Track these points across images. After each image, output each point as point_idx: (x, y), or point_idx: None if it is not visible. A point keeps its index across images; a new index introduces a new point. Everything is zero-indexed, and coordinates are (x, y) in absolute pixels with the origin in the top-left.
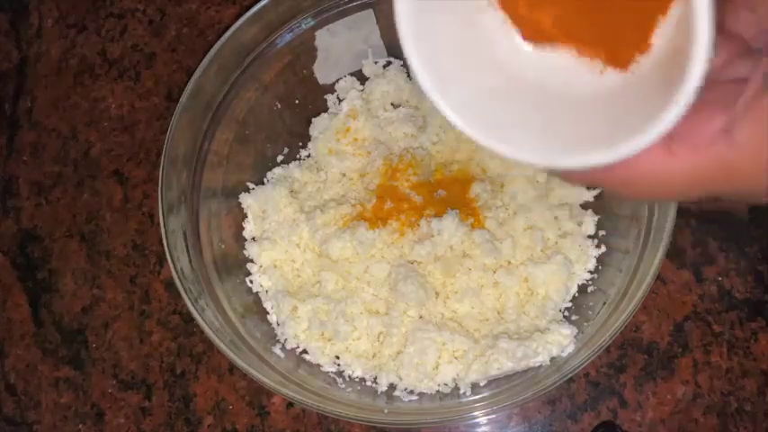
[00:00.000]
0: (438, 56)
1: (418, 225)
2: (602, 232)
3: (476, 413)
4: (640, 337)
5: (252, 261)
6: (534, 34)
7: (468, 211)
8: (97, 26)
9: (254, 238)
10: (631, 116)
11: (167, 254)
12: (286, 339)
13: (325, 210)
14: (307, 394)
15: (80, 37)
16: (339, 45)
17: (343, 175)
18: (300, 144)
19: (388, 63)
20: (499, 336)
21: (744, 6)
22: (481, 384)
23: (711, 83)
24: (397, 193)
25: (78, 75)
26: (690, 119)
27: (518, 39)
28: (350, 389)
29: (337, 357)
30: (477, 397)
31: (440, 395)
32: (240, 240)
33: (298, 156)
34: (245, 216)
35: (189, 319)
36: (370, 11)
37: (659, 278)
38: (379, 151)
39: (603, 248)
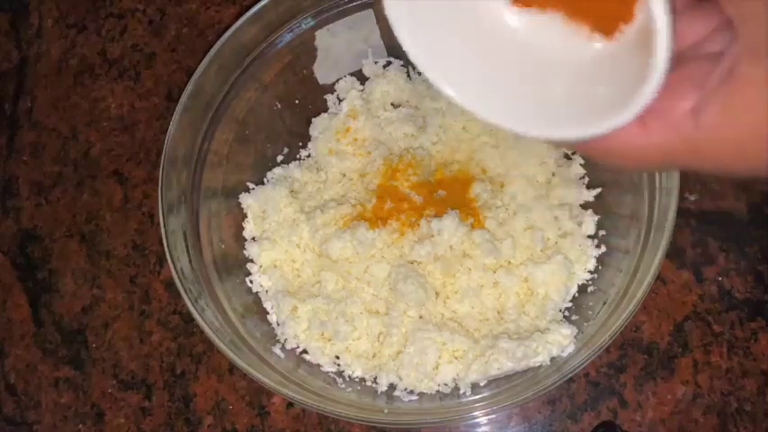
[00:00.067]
0: (424, 20)
1: (418, 225)
2: (602, 232)
3: (476, 413)
4: (640, 337)
5: (252, 261)
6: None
7: (468, 211)
8: (97, 26)
9: (254, 238)
10: (612, 91)
11: (167, 254)
12: (286, 339)
13: (325, 210)
14: (307, 394)
15: (80, 37)
16: (339, 45)
17: (343, 175)
18: (300, 144)
19: (388, 63)
20: (499, 336)
21: None
22: (481, 384)
23: (689, 57)
24: (397, 193)
25: (78, 75)
26: (664, 95)
27: (506, 3)
28: (350, 389)
29: (337, 357)
30: (477, 397)
31: (440, 395)
32: (240, 240)
33: (298, 156)
34: (245, 216)
35: (189, 319)
36: (370, 11)
37: (659, 278)
38: (379, 151)
39: (603, 248)
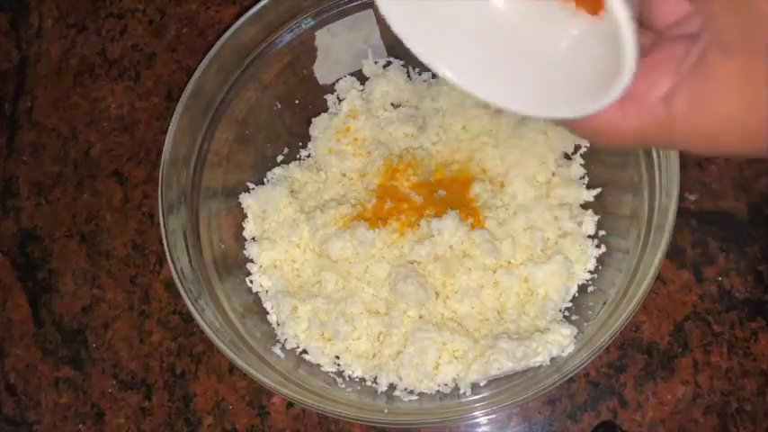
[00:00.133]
0: (415, 6)
1: (418, 225)
2: (602, 232)
3: (476, 413)
4: (640, 337)
5: (252, 261)
6: None
7: (468, 211)
8: (97, 26)
9: (254, 238)
10: (595, 74)
11: (167, 254)
12: (286, 339)
13: (325, 210)
14: (307, 394)
15: (80, 37)
16: (339, 45)
17: (344, 175)
18: (300, 144)
19: (388, 63)
20: (499, 336)
21: None
22: (481, 384)
23: (665, 38)
24: (397, 193)
25: (78, 75)
26: (640, 80)
27: None
28: (350, 389)
29: (337, 357)
30: (477, 397)
31: (440, 395)
32: (240, 240)
33: (298, 156)
34: (245, 216)
35: (189, 319)
36: (370, 11)
37: (659, 278)
38: (379, 151)
39: (603, 248)
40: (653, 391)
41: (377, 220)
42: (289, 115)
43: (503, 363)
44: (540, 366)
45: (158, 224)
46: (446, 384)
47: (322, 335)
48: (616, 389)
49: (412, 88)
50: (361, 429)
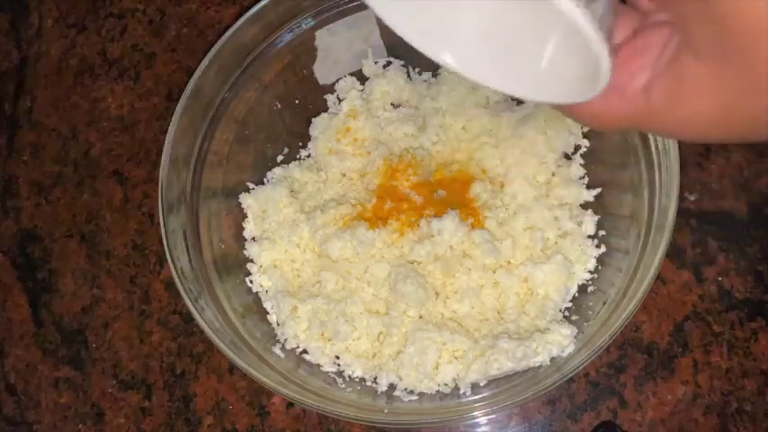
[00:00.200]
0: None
1: (418, 225)
2: (602, 232)
3: (476, 413)
4: (640, 337)
5: (252, 261)
6: None
7: (468, 211)
8: (97, 26)
9: (254, 238)
10: (579, 68)
11: (167, 254)
12: (286, 339)
13: (325, 210)
14: (307, 394)
15: (80, 37)
16: (339, 45)
17: (344, 175)
18: (300, 144)
19: (388, 63)
20: (499, 336)
21: None
22: (481, 384)
23: (646, 26)
24: (397, 193)
25: (78, 75)
26: (621, 72)
27: None
28: (350, 389)
29: (337, 357)
30: (477, 397)
31: (440, 395)
32: (240, 240)
33: (298, 156)
34: (245, 216)
35: (189, 319)
36: (371, 11)
37: (659, 278)
38: (379, 151)
39: (603, 248)
40: (653, 391)
41: (377, 220)
42: (289, 115)
43: (503, 363)
44: (540, 366)
45: (158, 224)
46: (446, 384)
47: (322, 335)
48: (616, 389)
49: (412, 88)
50: (361, 429)
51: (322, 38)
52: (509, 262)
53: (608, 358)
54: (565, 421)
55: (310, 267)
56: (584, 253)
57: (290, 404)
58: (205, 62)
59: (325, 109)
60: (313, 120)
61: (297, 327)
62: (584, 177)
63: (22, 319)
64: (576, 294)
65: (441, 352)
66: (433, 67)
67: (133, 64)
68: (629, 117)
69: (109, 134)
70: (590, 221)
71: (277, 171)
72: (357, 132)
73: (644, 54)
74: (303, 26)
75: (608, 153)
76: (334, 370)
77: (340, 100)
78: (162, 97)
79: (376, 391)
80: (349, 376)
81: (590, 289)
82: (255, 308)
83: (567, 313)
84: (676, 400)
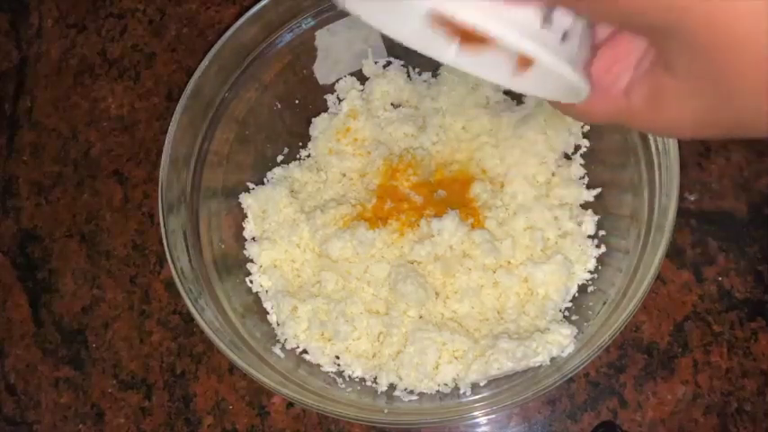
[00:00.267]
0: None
1: (418, 225)
2: (602, 232)
3: (476, 413)
4: (640, 337)
5: (252, 261)
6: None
7: (468, 211)
8: (97, 26)
9: (254, 238)
10: (562, 80)
11: (167, 254)
12: (286, 339)
13: (325, 210)
14: (307, 394)
15: (80, 37)
16: (339, 45)
17: (344, 175)
18: (300, 144)
19: (388, 63)
20: (499, 336)
21: None
22: (481, 384)
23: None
24: (397, 193)
25: (78, 75)
26: (605, 74)
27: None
28: (350, 389)
29: (337, 357)
30: (477, 397)
31: (440, 395)
32: (240, 240)
33: (298, 156)
34: (245, 216)
35: (189, 319)
36: None
37: (659, 278)
38: (379, 151)
39: (603, 248)
40: (653, 391)
41: (377, 220)
42: (289, 115)
43: (503, 363)
44: (540, 366)
45: (158, 224)
46: (446, 384)
47: (322, 335)
48: (616, 389)
49: (412, 88)
50: (361, 429)
51: (322, 38)
52: (509, 262)
53: (608, 358)
54: (565, 421)
55: (310, 267)
56: (584, 253)
57: (290, 404)
58: (205, 62)
59: (326, 109)
60: (313, 120)
61: (297, 327)
62: (584, 177)
63: (22, 319)
64: (576, 294)
65: (441, 352)
66: (432, 67)
67: (133, 64)
68: (614, 115)
69: (109, 134)
70: (590, 221)
71: (277, 171)
72: (357, 132)
73: (624, 60)
74: (303, 26)
75: (608, 153)
76: (334, 370)
77: (340, 100)
78: (162, 97)
79: (376, 391)
80: (349, 376)
81: (590, 289)
82: (255, 308)
83: (567, 313)
84: (676, 400)
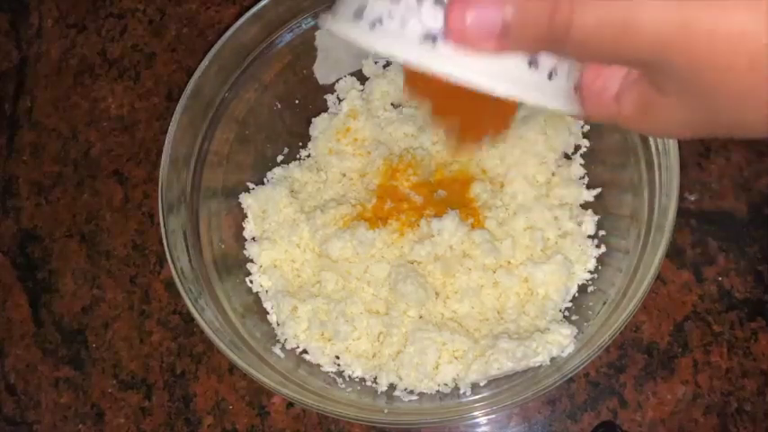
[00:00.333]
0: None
1: (418, 225)
2: (602, 232)
3: (476, 413)
4: (640, 337)
5: (252, 261)
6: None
7: (468, 211)
8: (97, 26)
9: (254, 238)
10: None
11: (167, 254)
12: (286, 339)
13: (325, 210)
14: (307, 394)
15: (80, 37)
16: (339, 45)
17: (344, 175)
18: (300, 144)
19: (388, 63)
20: (499, 336)
21: None
22: (481, 384)
23: None
24: (397, 193)
25: (78, 75)
26: (597, 80)
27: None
28: (350, 389)
29: (337, 357)
30: (477, 397)
31: (440, 395)
32: (240, 240)
33: (298, 156)
34: (245, 216)
35: (189, 319)
36: None
37: (659, 278)
38: (379, 151)
39: (603, 248)
40: (653, 391)
41: (377, 220)
42: (289, 115)
43: (503, 363)
44: (540, 366)
45: (158, 224)
46: (446, 384)
47: (322, 335)
48: (616, 389)
49: None
50: (361, 429)
51: (322, 38)
52: (509, 262)
53: (608, 358)
54: (565, 421)
55: (310, 267)
56: (584, 253)
57: (290, 404)
58: (205, 62)
59: (326, 109)
60: (313, 120)
61: (297, 327)
62: (584, 177)
63: (22, 319)
64: (576, 294)
65: (441, 352)
66: None
67: (133, 64)
68: (607, 118)
69: (109, 134)
70: (590, 221)
71: (277, 171)
72: (357, 132)
73: (614, 69)
74: (303, 26)
75: (608, 153)
76: (334, 370)
77: (340, 100)
78: (162, 97)
79: (376, 391)
80: (349, 376)
81: (590, 289)
82: (255, 308)
83: (567, 313)
84: (676, 400)
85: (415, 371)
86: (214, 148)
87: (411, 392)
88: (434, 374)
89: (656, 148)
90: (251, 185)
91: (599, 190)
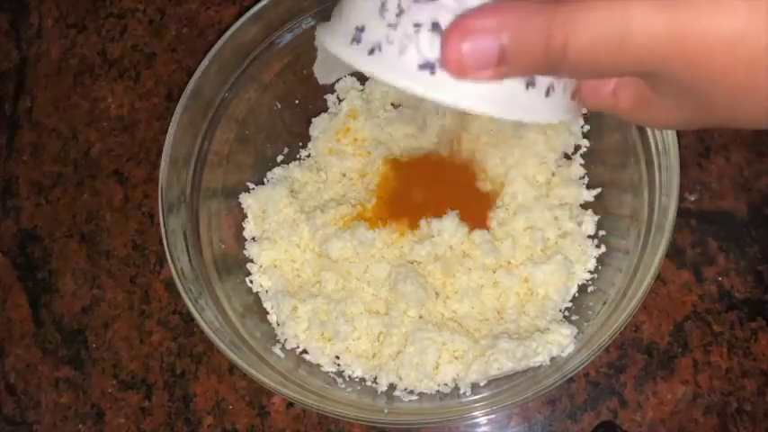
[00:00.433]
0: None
1: (418, 225)
2: (602, 232)
3: (476, 413)
4: (640, 337)
5: (252, 261)
6: None
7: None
8: (97, 26)
9: (254, 238)
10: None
11: (167, 254)
12: (286, 339)
13: (325, 210)
14: (307, 394)
15: (80, 37)
16: None
17: (344, 175)
18: (300, 144)
19: None
20: (499, 336)
21: None
22: (481, 384)
23: None
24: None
25: (78, 75)
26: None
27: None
28: (350, 389)
29: (337, 357)
30: (477, 397)
31: (440, 395)
32: (240, 240)
33: (298, 156)
34: (245, 216)
35: (189, 319)
36: None
37: (659, 278)
38: (378, 151)
39: (603, 248)
40: (653, 391)
41: (377, 220)
42: (289, 115)
43: (503, 363)
44: (540, 366)
45: (158, 224)
46: (446, 384)
47: (322, 335)
48: (616, 389)
49: None
50: (361, 429)
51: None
52: (509, 262)
53: (608, 358)
54: (565, 421)
55: (310, 267)
56: (584, 253)
57: (290, 404)
58: (205, 62)
59: (326, 109)
60: (313, 120)
61: (297, 327)
62: (584, 177)
63: (22, 319)
64: (576, 294)
65: (441, 352)
66: None
67: (133, 64)
68: (605, 109)
69: (109, 134)
70: (590, 221)
71: (277, 171)
72: (357, 132)
73: None
74: (303, 26)
75: (608, 153)
76: (334, 370)
77: (340, 100)
78: (162, 97)
79: (376, 391)
80: (349, 376)
81: (590, 289)
82: (255, 308)
83: (567, 313)
84: (676, 400)
85: (415, 371)
86: (214, 148)
87: (411, 392)
88: (434, 374)
89: (656, 148)
90: (251, 185)
91: (599, 190)
